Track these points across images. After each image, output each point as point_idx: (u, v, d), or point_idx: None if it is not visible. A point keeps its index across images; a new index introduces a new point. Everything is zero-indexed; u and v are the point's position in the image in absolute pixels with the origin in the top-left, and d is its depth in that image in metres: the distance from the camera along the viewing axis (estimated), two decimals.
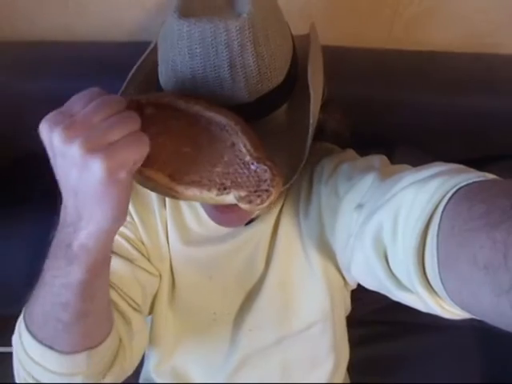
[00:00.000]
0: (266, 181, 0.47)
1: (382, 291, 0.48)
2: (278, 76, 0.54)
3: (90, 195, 0.39)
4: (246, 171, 0.47)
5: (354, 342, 0.79)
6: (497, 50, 0.90)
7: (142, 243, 0.66)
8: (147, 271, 0.65)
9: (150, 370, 0.75)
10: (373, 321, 0.95)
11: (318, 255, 0.64)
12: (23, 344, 0.51)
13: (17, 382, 0.55)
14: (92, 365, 0.52)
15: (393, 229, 0.42)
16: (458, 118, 0.87)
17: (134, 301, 0.63)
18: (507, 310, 0.28)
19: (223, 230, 0.66)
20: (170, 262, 0.68)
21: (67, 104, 0.41)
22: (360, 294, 0.72)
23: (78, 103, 0.40)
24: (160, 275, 0.68)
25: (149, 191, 0.66)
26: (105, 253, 0.45)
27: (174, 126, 0.48)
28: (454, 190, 0.37)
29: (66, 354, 0.49)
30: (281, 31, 0.55)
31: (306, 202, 0.64)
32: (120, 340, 0.59)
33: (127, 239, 0.64)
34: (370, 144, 0.75)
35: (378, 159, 0.57)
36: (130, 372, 0.63)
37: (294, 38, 0.59)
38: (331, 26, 0.88)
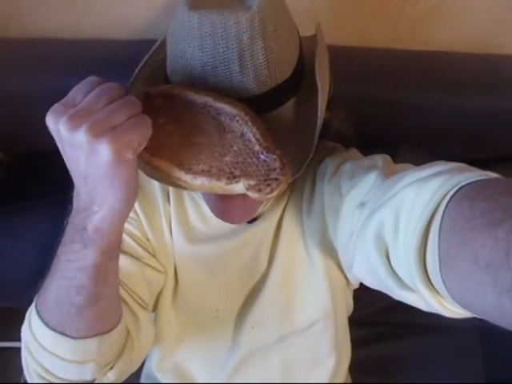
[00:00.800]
0: (275, 170, 0.47)
1: (384, 290, 0.48)
2: (285, 70, 0.54)
3: (100, 178, 0.40)
4: (255, 160, 0.47)
5: (356, 342, 0.79)
6: (502, 51, 0.90)
7: (148, 240, 0.66)
8: (154, 268, 0.65)
9: (152, 367, 0.75)
10: (375, 321, 0.95)
11: (321, 254, 0.64)
12: (33, 333, 0.52)
13: (25, 374, 0.55)
14: (103, 352, 0.53)
15: (394, 227, 0.42)
16: (462, 118, 0.87)
17: (140, 298, 0.63)
18: (508, 309, 0.28)
19: (226, 227, 0.66)
20: (174, 258, 0.69)
21: (69, 95, 0.42)
22: (362, 294, 0.73)
23: (79, 93, 0.42)
24: (166, 272, 0.69)
25: (154, 188, 0.67)
26: (117, 235, 0.47)
27: (183, 116, 0.49)
28: (456, 188, 0.37)
29: (78, 338, 0.51)
30: (289, 26, 0.55)
31: (309, 200, 0.65)
32: (128, 332, 0.60)
33: (132, 236, 0.64)
34: (373, 144, 0.75)
35: (381, 158, 0.57)
36: (136, 367, 0.64)
37: (300, 37, 0.59)
38: (337, 25, 0.88)
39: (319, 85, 0.55)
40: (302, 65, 0.58)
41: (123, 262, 0.61)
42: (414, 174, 0.44)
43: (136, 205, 0.66)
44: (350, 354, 0.78)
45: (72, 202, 0.46)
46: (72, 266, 0.46)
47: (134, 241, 0.64)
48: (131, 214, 0.65)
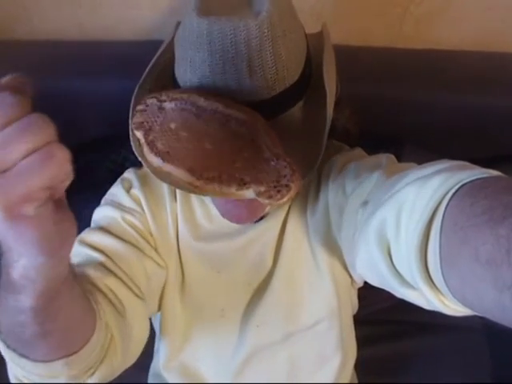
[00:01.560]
0: (285, 176, 0.47)
1: (386, 287, 0.49)
2: (294, 74, 0.54)
3: (1, 236, 0.32)
4: (265, 167, 0.48)
5: (362, 341, 0.79)
6: (507, 49, 0.90)
7: (151, 235, 0.66)
8: (155, 262, 0.65)
9: (160, 367, 0.75)
10: (380, 320, 0.94)
11: (325, 253, 0.65)
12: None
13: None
14: (73, 369, 0.48)
15: (396, 225, 0.42)
16: (468, 116, 0.86)
17: (137, 287, 0.61)
18: (509, 306, 0.28)
19: (232, 226, 0.66)
20: (179, 256, 0.69)
21: None
22: (367, 293, 0.73)
23: None
24: (167, 268, 0.69)
25: (161, 183, 0.68)
26: (54, 280, 0.38)
27: (193, 121, 0.49)
28: (458, 186, 0.37)
29: (40, 362, 0.46)
30: (297, 29, 0.55)
31: (314, 199, 0.65)
32: (112, 336, 0.55)
33: (136, 229, 0.64)
34: (379, 143, 0.75)
35: (385, 158, 0.57)
36: (126, 366, 0.59)
37: (307, 36, 0.60)
38: (341, 24, 0.88)
39: (327, 90, 0.55)
40: (309, 66, 0.58)
41: (124, 249, 0.61)
42: (415, 172, 0.44)
43: (142, 199, 0.66)
44: (356, 354, 0.78)
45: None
46: (10, 303, 0.39)
47: (137, 233, 0.64)
48: (136, 208, 0.65)
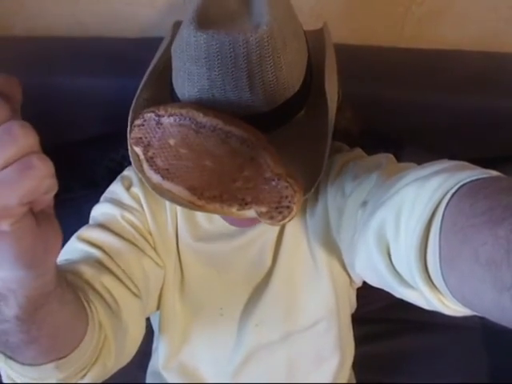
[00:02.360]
0: (287, 197, 0.46)
1: (385, 288, 0.48)
2: (294, 84, 0.54)
3: None
4: (266, 187, 0.47)
5: (360, 340, 0.79)
6: (509, 49, 0.90)
7: (150, 233, 0.66)
8: (153, 261, 0.65)
9: (159, 366, 0.75)
10: (378, 318, 0.94)
11: (324, 253, 0.65)
12: None
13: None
14: (64, 371, 0.47)
15: (395, 225, 0.42)
16: (469, 117, 0.86)
17: (135, 285, 0.61)
18: (509, 307, 0.28)
19: (232, 227, 0.66)
20: (179, 255, 0.69)
21: None
22: (365, 292, 0.72)
23: None
24: (165, 267, 0.68)
25: None
26: (41, 289, 0.37)
27: (193, 138, 0.47)
28: (457, 186, 0.37)
29: (29, 365, 0.44)
30: (297, 36, 0.54)
31: (313, 200, 0.65)
32: (105, 336, 0.54)
33: (135, 227, 0.64)
34: (378, 143, 0.75)
35: (385, 158, 0.57)
36: (120, 366, 0.58)
37: (307, 38, 0.59)
38: (342, 23, 0.88)
39: (329, 100, 0.54)
40: (310, 74, 0.57)
41: (122, 247, 0.60)
42: (415, 173, 0.44)
43: (141, 197, 0.66)
44: (354, 353, 0.78)
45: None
46: None
47: (136, 231, 0.64)
48: (136, 206, 0.65)
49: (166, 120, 0.47)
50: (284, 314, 0.69)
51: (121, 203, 0.65)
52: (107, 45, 0.89)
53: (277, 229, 0.68)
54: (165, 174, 0.48)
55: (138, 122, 0.49)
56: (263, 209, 0.47)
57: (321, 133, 0.55)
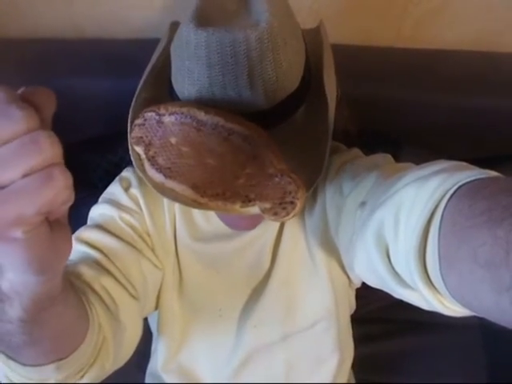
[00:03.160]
0: (290, 193, 0.46)
1: (384, 288, 0.48)
2: (294, 81, 0.54)
3: None
4: (270, 183, 0.47)
5: (359, 340, 0.79)
6: (506, 49, 0.90)
7: (148, 235, 0.66)
8: (151, 262, 0.65)
9: (158, 367, 0.75)
10: (377, 318, 0.95)
11: (323, 253, 0.65)
12: None
13: None
14: (63, 372, 0.47)
15: (394, 226, 0.42)
16: (467, 117, 0.86)
17: (133, 286, 0.61)
18: (508, 308, 0.28)
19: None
20: (177, 256, 0.69)
21: None
22: (365, 292, 0.73)
23: None
24: (164, 268, 0.68)
25: None
26: (47, 294, 0.37)
27: (194, 136, 0.47)
28: (456, 187, 0.37)
29: (30, 366, 0.45)
30: (296, 34, 0.54)
31: (311, 200, 0.65)
32: (104, 338, 0.54)
33: (133, 228, 0.64)
34: (376, 143, 0.75)
35: (383, 158, 0.57)
36: (117, 366, 0.59)
37: (304, 37, 0.59)
38: (340, 23, 0.88)
39: (328, 97, 0.54)
40: (308, 71, 0.57)
41: (121, 248, 0.60)
42: (414, 173, 0.44)
43: (140, 199, 0.65)
44: (353, 354, 0.78)
45: None
46: None
47: (135, 232, 0.64)
48: (134, 207, 0.65)
49: (166, 119, 0.47)
50: (283, 315, 0.69)
51: (119, 204, 0.65)
52: (104, 46, 0.89)
53: (275, 230, 0.67)
54: (167, 172, 0.47)
55: (138, 121, 0.49)
56: (267, 205, 0.47)
57: (321, 130, 0.55)
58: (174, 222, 0.68)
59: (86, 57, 0.86)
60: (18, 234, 0.28)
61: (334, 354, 0.72)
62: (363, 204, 0.51)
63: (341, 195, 0.58)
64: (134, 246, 0.63)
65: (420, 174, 0.43)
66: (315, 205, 0.64)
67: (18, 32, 0.91)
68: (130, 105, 0.57)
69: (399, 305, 0.52)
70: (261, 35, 0.48)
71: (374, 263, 0.46)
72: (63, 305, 0.43)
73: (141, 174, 0.53)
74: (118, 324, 0.57)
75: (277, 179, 0.46)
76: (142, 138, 0.49)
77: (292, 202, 0.46)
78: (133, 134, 0.50)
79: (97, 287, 0.55)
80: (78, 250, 0.59)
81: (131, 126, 0.51)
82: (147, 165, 0.50)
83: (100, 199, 0.67)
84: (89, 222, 0.65)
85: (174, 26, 0.65)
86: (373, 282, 0.51)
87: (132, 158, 0.53)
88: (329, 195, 0.61)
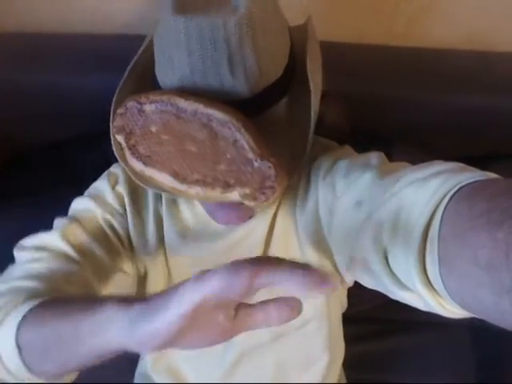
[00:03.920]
0: (270, 177, 0.47)
1: (381, 290, 0.48)
2: (277, 70, 0.53)
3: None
4: (249, 168, 0.47)
5: (350, 339, 0.79)
6: (498, 48, 0.90)
7: (128, 237, 0.65)
8: (126, 266, 0.64)
9: (147, 367, 0.75)
10: (369, 318, 0.95)
11: (314, 252, 0.64)
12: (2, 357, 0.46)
13: None
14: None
15: (393, 228, 0.42)
16: (457, 115, 0.87)
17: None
18: (508, 310, 0.28)
19: (220, 225, 0.65)
20: (165, 256, 0.68)
21: None
22: (356, 291, 0.72)
23: None
24: (146, 272, 0.67)
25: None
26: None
27: (174, 124, 0.48)
28: (456, 189, 0.36)
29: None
30: (279, 24, 0.54)
31: (303, 198, 0.64)
32: None
33: (113, 230, 0.63)
34: (369, 141, 0.74)
35: (376, 156, 0.56)
36: None
37: (290, 31, 0.59)
38: (331, 20, 0.87)
39: (312, 90, 0.54)
40: (293, 61, 0.57)
41: (98, 251, 0.60)
42: (412, 175, 0.43)
43: (125, 197, 0.65)
44: (344, 353, 0.78)
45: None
46: (92, 341, 0.39)
47: (114, 235, 0.63)
48: (118, 207, 0.64)
49: (147, 107, 0.48)
50: None
51: (104, 203, 0.64)
52: (90, 41, 0.88)
53: (266, 227, 0.67)
54: (147, 160, 0.48)
55: (120, 110, 0.50)
56: (247, 190, 0.47)
57: (304, 120, 0.55)
58: (160, 221, 0.67)
59: (71, 52, 0.86)
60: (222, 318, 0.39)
61: (325, 353, 0.72)
62: (359, 203, 0.51)
63: (333, 194, 0.57)
64: (110, 250, 0.62)
65: (419, 175, 0.42)
66: (307, 203, 0.64)
67: (3, 26, 0.89)
68: (115, 95, 0.57)
69: (391, 304, 0.53)
70: (239, 20, 0.48)
71: (370, 264, 0.46)
72: None
73: (122, 163, 0.53)
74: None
75: (256, 164, 0.47)
76: (123, 126, 0.50)
77: (271, 187, 0.47)
78: (115, 124, 0.51)
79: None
80: (61, 250, 0.58)
81: (113, 115, 0.52)
82: (128, 153, 0.51)
83: (86, 192, 0.66)
84: (70, 212, 0.64)
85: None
86: (369, 284, 0.51)
87: (113, 147, 0.54)
88: (321, 193, 0.61)
